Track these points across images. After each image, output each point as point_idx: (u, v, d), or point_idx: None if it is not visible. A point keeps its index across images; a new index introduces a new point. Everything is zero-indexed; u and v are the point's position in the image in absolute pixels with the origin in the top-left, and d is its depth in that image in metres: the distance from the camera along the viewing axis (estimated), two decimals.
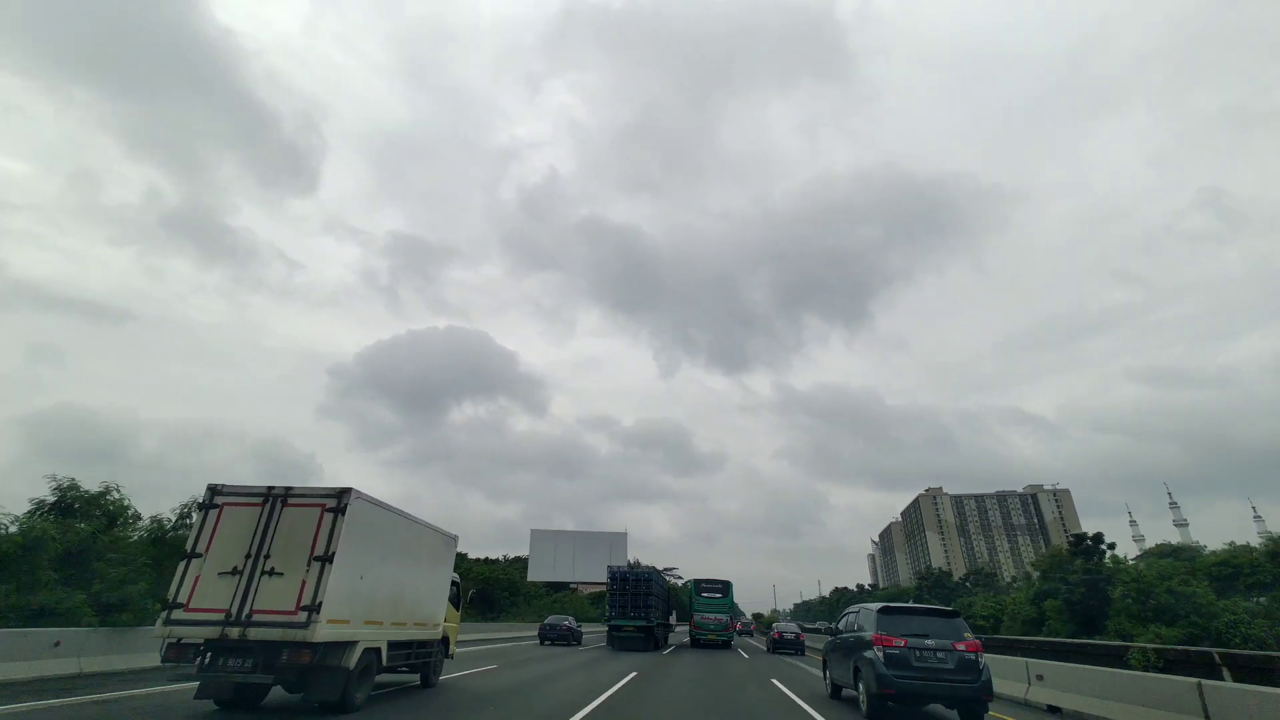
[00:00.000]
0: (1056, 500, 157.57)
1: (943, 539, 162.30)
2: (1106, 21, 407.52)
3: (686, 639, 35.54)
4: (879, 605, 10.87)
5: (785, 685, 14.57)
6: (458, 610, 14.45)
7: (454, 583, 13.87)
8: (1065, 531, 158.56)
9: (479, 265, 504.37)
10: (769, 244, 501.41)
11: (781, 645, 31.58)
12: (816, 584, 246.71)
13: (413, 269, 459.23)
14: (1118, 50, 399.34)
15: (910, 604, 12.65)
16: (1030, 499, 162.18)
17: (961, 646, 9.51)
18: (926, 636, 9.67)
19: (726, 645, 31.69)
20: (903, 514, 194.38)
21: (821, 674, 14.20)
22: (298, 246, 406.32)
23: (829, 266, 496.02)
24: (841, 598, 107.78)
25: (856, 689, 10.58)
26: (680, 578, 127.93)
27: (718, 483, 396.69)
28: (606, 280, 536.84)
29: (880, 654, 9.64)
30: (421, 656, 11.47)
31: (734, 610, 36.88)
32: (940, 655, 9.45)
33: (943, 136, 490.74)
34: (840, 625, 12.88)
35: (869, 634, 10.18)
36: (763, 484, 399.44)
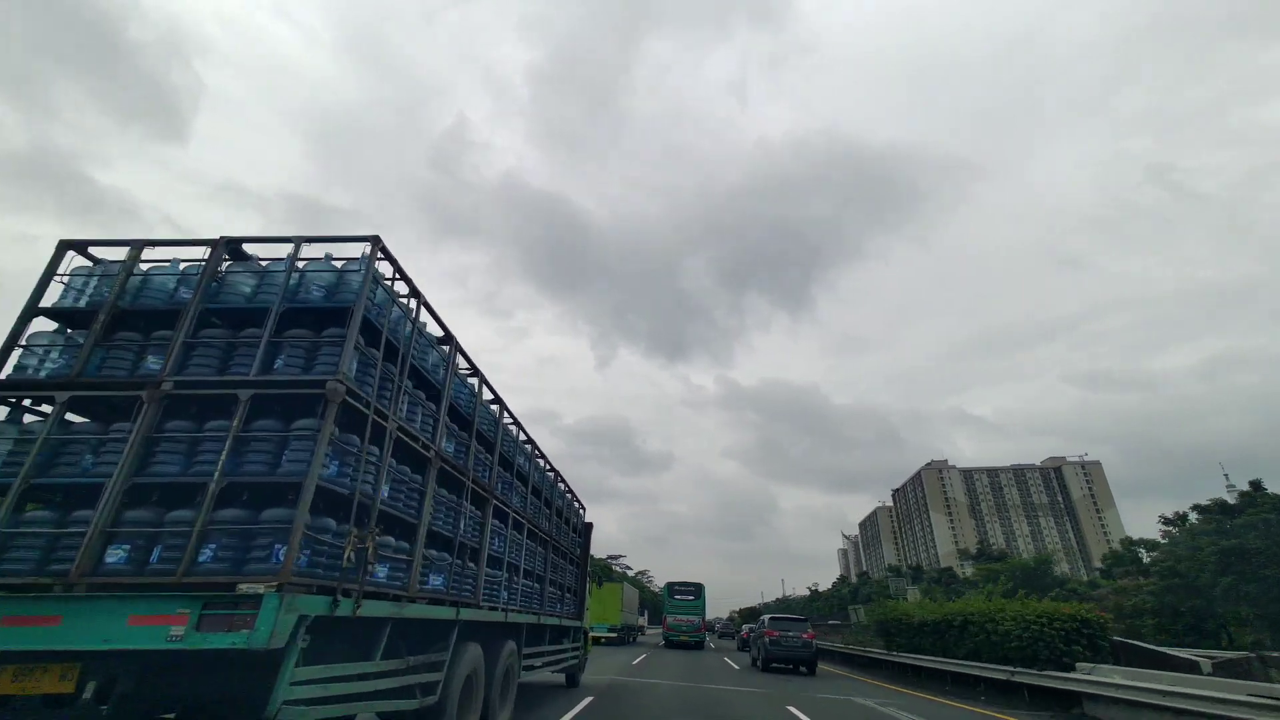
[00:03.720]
0: (1086, 474, 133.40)
1: (951, 520, 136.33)
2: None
3: (661, 642, 34.60)
4: (771, 615, 21.52)
5: (731, 660, 24.14)
6: None
7: None
8: (1097, 511, 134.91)
9: (391, 234, 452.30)
10: (707, 217, 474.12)
11: (749, 644, 33.14)
12: (780, 583, 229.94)
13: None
14: (1073, 33, 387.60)
15: (784, 614, 21.86)
16: (1053, 474, 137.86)
17: (805, 636, 18.82)
18: (790, 630, 19.08)
19: (699, 646, 32.18)
20: (895, 494, 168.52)
21: (749, 652, 26.16)
22: (185, 211, 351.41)
23: (771, 241, 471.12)
24: (857, 592, 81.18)
25: (759, 658, 20.24)
26: (630, 568, 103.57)
27: (667, 483, 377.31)
28: (538, 260, 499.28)
29: (768, 639, 19.15)
30: None
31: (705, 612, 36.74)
32: (794, 639, 18.75)
33: (884, 94, 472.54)
34: (756, 625, 24.96)
35: (765, 630, 19.86)
36: (713, 484, 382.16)
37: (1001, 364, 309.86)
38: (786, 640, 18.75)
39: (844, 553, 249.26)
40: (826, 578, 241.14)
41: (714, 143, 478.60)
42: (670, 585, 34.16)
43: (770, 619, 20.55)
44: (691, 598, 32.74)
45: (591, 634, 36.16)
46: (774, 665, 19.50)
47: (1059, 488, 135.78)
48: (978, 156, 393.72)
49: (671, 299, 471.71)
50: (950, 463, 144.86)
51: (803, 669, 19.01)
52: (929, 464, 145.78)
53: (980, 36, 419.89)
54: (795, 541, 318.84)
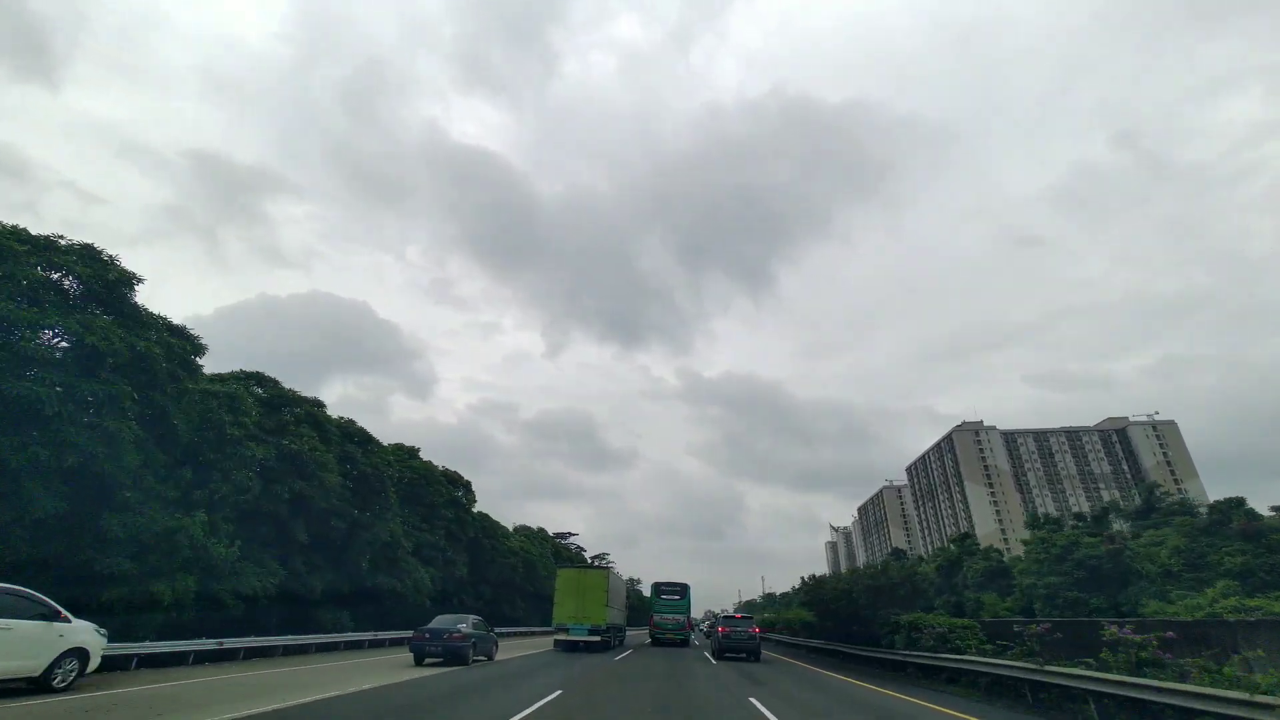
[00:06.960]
0: (1159, 436, 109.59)
1: (992, 492, 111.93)
2: None
3: (647, 640, 35.60)
4: (725, 614, 28.19)
5: (704, 651, 27.87)
6: None
7: None
8: (1176, 482, 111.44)
9: (311, 201, 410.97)
10: (658, 186, 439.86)
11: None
12: (761, 580, 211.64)
13: (240, 206, 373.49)
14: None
15: (733, 614, 27.49)
16: (1115, 436, 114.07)
17: (751, 630, 23.45)
18: (738, 626, 23.69)
19: (685, 644, 33.25)
20: (911, 469, 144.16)
21: (709, 644, 30.87)
22: (88, 175, 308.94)
23: (729, 210, 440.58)
24: (957, 566, 57.43)
25: (715, 649, 24.40)
26: (583, 549, 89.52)
27: (632, 480, 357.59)
28: (477, 230, 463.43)
29: (720, 634, 23.53)
30: None
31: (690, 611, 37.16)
32: (741, 632, 23.23)
33: (836, 56, 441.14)
34: (714, 621, 35.79)
35: (718, 626, 24.76)
36: (679, 482, 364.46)
37: (967, 364, 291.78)
38: (735, 635, 23.29)
39: (832, 545, 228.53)
40: (808, 573, 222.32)
41: (661, 101, 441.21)
42: (657, 585, 35.50)
43: (723, 618, 26.76)
44: (677, 597, 33.78)
45: (569, 636, 25.86)
46: (726, 655, 23.31)
47: (1124, 454, 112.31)
48: (936, 126, 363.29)
49: (626, 279, 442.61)
50: (987, 423, 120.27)
51: (751, 657, 23.15)
52: (961, 425, 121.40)
53: (942, 20, 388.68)
54: (766, 540, 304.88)
